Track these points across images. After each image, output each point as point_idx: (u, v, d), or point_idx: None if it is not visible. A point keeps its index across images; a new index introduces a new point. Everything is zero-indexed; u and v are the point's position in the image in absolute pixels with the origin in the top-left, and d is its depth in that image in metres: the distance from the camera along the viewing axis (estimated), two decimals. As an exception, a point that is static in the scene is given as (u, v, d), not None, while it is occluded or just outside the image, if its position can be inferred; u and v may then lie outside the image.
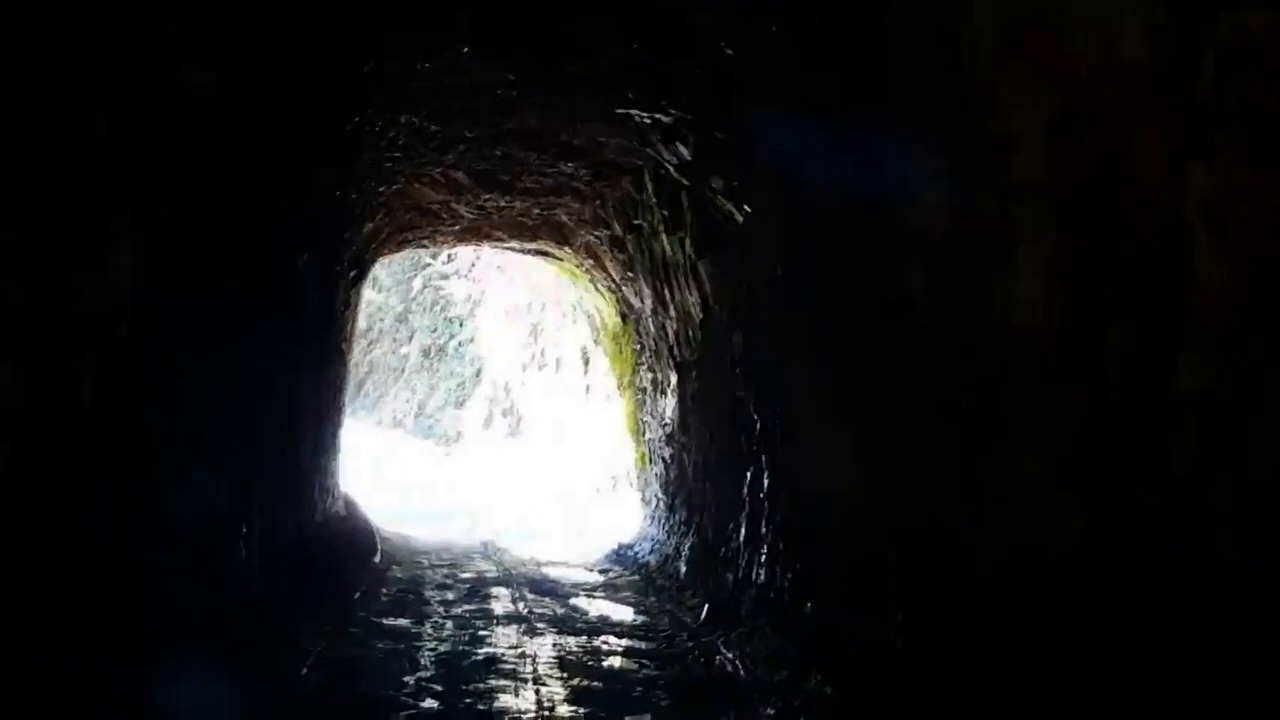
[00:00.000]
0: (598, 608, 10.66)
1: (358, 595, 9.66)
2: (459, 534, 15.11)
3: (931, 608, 6.15)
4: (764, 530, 9.68)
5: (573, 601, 10.84)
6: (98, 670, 5.15)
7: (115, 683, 5.33)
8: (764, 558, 9.53)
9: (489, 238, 14.92)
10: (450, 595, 10.50)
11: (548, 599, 10.72)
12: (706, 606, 9.74)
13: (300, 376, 10.40)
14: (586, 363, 17.06)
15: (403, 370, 27.01)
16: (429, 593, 10.55)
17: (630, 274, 13.74)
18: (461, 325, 24.75)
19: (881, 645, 6.51)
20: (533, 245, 14.89)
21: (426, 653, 8.13)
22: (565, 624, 9.51)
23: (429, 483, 19.01)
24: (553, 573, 12.69)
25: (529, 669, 7.79)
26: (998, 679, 5.47)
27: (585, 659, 8.33)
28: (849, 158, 7.40)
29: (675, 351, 12.84)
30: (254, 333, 8.18)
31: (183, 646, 6.12)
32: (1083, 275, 4.38)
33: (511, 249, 15.46)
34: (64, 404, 4.73)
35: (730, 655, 8.25)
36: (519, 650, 8.34)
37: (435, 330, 26.02)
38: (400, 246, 15.47)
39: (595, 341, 16.39)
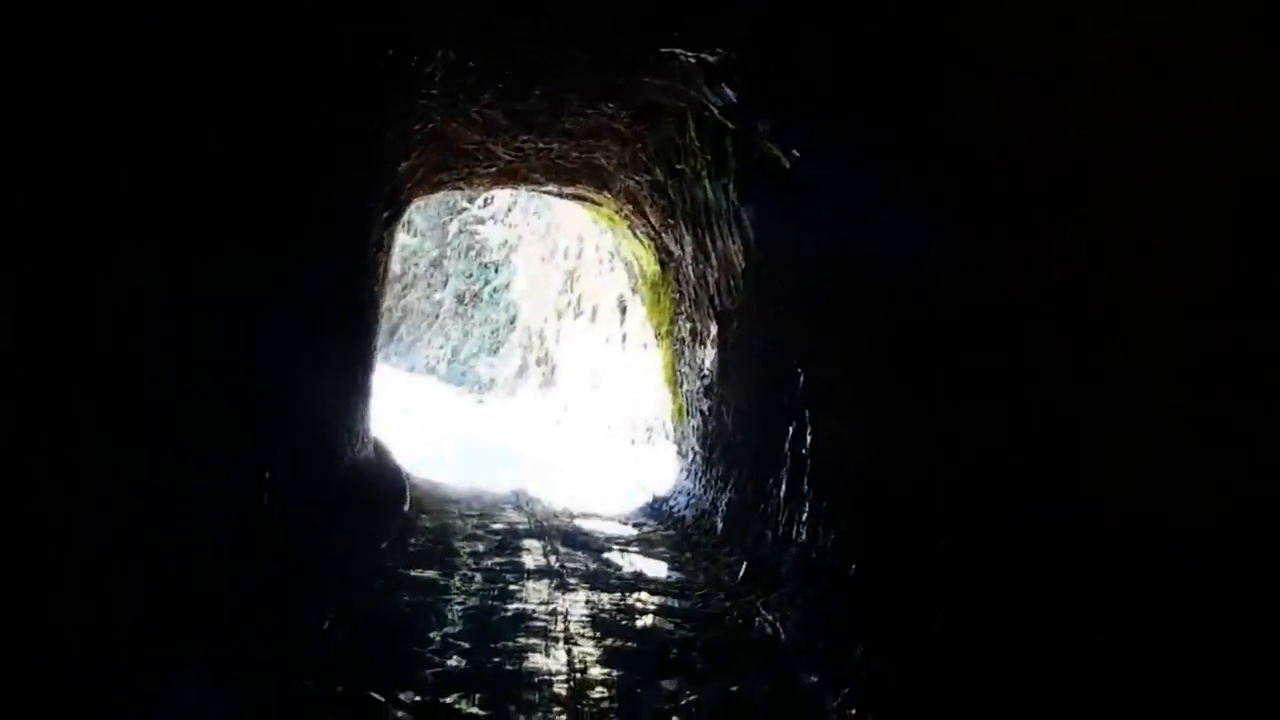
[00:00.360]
0: (632, 563, 10.33)
1: (384, 545, 9.36)
2: (490, 483, 14.79)
3: (989, 578, 5.78)
4: (806, 488, 9.33)
5: (606, 556, 10.52)
6: (98, 628, 4.86)
7: (119, 641, 5.05)
8: (805, 516, 9.19)
9: (526, 180, 14.53)
10: (480, 547, 10.20)
11: (580, 553, 10.40)
12: (744, 565, 9.40)
13: (329, 319, 10.10)
14: (623, 311, 16.67)
15: (436, 316, 26.71)
16: (458, 543, 10.24)
17: (670, 220, 13.34)
18: (497, 271, 24.38)
19: (935, 616, 6.16)
20: (571, 189, 14.49)
21: (455, 607, 7.82)
22: (598, 580, 9.19)
23: (461, 430, 18.71)
24: (586, 525, 12.38)
25: (560, 627, 7.47)
26: (1060, 658, 5.12)
27: (619, 617, 8.01)
28: (905, 95, 6.99)
29: (716, 301, 12.45)
30: (281, 273, 7.86)
31: (196, 599, 5.83)
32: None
33: (549, 192, 15.07)
34: (78, 341, 4.42)
35: (770, 617, 7.91)
36: (550, 607, 8.03)
37: (470, 276, 25.67)
38: (436, 188, 15.08)
39: (633, 290, 15.99)
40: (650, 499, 13.73)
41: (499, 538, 10.79)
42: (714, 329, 12.53)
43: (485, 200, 23.77)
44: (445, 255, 26.72)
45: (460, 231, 25.64)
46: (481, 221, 23.94)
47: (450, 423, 19.78)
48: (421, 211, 27.39)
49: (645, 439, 15.47)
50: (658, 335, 14.83)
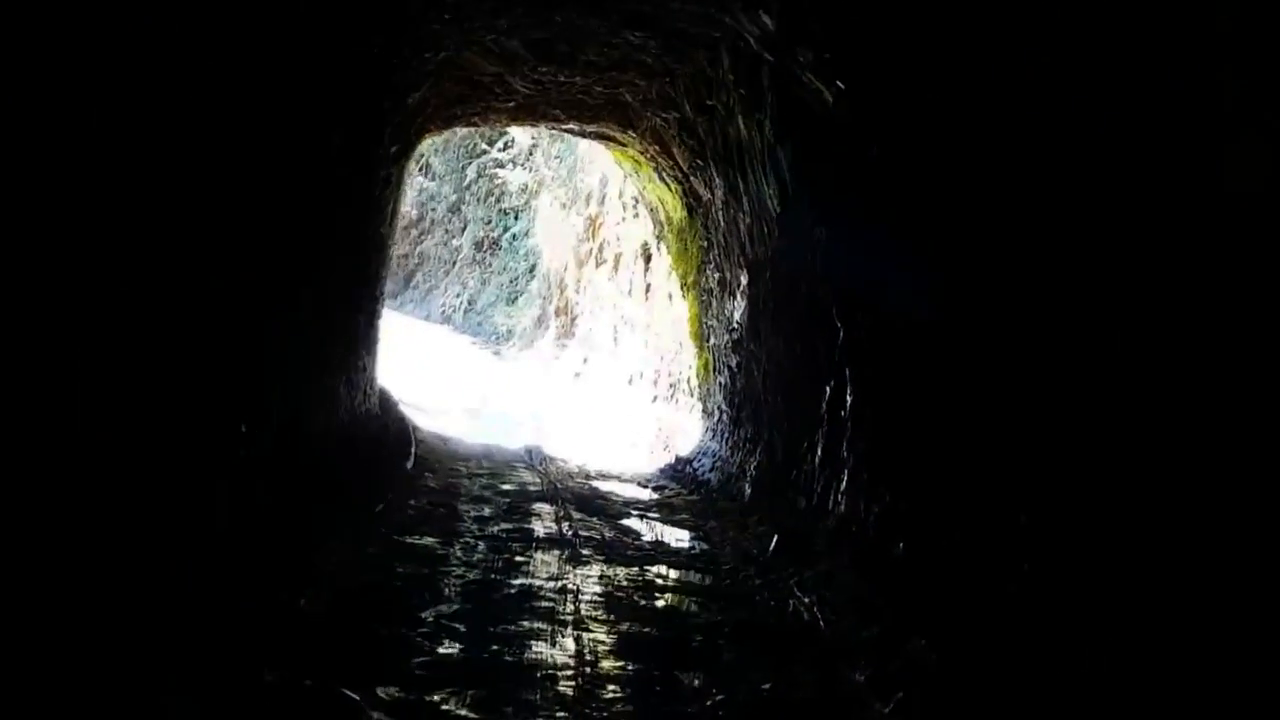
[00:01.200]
0: (652, 531, 9.51)
1: (380, 508, 8.52)
2: (503, 438, 13.95)
3: (1081, 563, 4.91)
4: (845, 453, 8.48)
5: (623, 523, 9.69)
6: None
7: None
8: (844, 485, 8.34)
9: (546, 117, 13.59)
10: (486, 510, 9.36)
11: (595, 519, 9.57)
12: (775, 537, 8.56)
13: (328, 260, 9.22)
14: (648, 260, 15.75)
15: (453, 263, 25.85)
16: (463, 506, 9.41)
17: (700, 162, 12.41)
18: (517, 218, 23.45)
19: (1007, 610, 5.29)
20: (594, 127, 13.54)
21: (453, 581, 6.99)
22: (614, 550, 8.35)
23: (475, 382, 17.86)
24: (603, 487, 11.55)
25: (569, 608, 6.62)
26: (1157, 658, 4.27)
27: (636, 596, 7.16)
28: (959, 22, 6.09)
29: (747, 249, 11.54)
30: (270, 209, 6.99)
31: (138, 573, 4.98)
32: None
33: (570, 130, 14.11)
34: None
35: (806, 600, 7.06)
36: (559, 583, 7.18)
37: (489, 222, 24.76)
38: (449, 123, 14.17)
39: (658, 237, 15.07)
40: (672, 460, 12.89)
41: (508, 500, 9.96)
42: (744, 279, 11.63)
43: (505, 143, 22.82)
44: (464, 200, 25.81)
45: (480, 176, 24.70)
46: (501, 165, 22.98)
47: (464, 375, 18.92)
48: (439, 154, 26.51)
49: (668, 396, 14.58)
50: (684, 286, 13.92)
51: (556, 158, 20.70)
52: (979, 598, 5.70)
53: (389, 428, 12.20)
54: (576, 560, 7.87)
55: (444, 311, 25.28)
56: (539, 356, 20.39)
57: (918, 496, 6.90)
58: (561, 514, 9.51)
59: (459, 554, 7.68)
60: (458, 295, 25.06)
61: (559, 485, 11.11)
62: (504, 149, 22.96)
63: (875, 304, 7.99)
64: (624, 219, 17.01)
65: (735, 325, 11.86)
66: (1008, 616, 5.32)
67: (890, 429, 7.57)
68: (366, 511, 8.34)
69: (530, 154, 21.51)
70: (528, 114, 13.48)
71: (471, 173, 24.97)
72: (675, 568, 8.19)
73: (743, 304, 11.67)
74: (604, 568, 7.77)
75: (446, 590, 6.76)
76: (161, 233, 5.17)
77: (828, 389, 8.95)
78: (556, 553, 8.02)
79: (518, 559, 7.73)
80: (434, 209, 27.11)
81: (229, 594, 5.61)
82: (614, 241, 17.66)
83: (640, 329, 16.00)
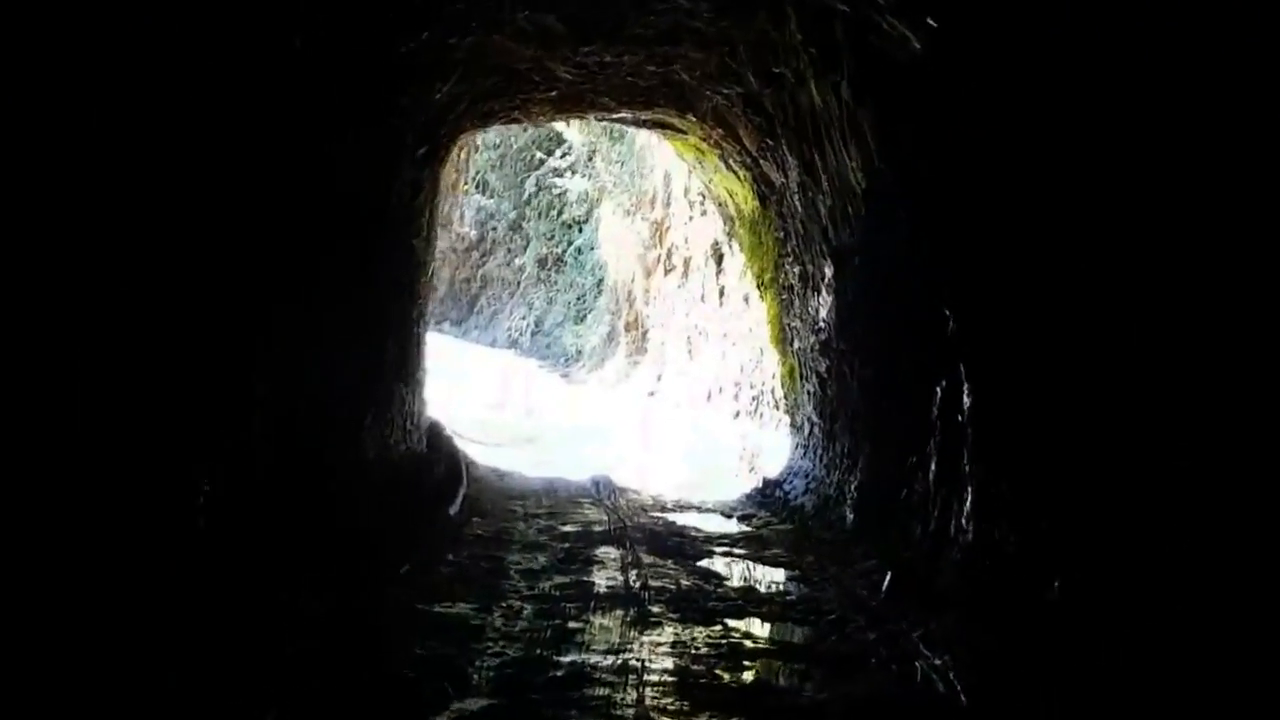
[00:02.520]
0: (738, 573, 8.03)
1: (407, 568, 7.05)
2: (568, 468, 12.43)
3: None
4: (967, 466, 6.92)
5: (704, 564, 8.19)
6: None
7: None
8: (969, 506, 6.80)
9: (595, 106, 12.13)
10: (540, 560, 7.88)
11: (670, 562, 8.07)
12: (888, 575, 7.01)
13: (330, 279, 7.82)
14: (719, 262, 14.20)
15: (518, 284, 24.52)
16: (512, 557, 7.94)
17: (769, 141, 10.89)
18: (580, 230, 22.04)
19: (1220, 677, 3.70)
20: (648, 114, 12.02)
21: (486, 663, 5.49)
22: (691, 605, 6.81)
23: (542, 408, 16.40)
24: (680, 521, 10.05)
25: (629, 696, 5.08)
26: None
27: (718, 668, 5.61)
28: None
29: (830, 235, 9.99)
30: (232, 219, 5.61)
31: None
32: None
33: (623, 120, 12.60)
34: None
35: (937, 661, 5.49)
36: (620, 658, 5.64)
37: (552, 238, 23.37)
38: (487, 120, 12.76)
39: (728, 234, 13.52)
40: (759, 483, 11.34)
41: (567, 545, 8.48)
42: (829, 270, 10.08)
43: (563, 151, 21.44)
44: (524, 217, 24.47)
45: (539, 189, 23.34)
46: (560, 174, 21.59)
47: (533, 399, 17.47)
48: (496, 170, 25.27)
49: (751, 410, 13.02)
50: (760, 285, 12.37)
51: (617, 162, 19.27)
52: (1183, 660, 4.12)
53: (436, 467, 10.77)
54: (644, 622, 6.34)
55: (510, 335, 23.94)
56: (609, 376, 18.91)
57: (1078, 519, 5.31)
58: (629, 559, 8.02)
59: (498, 623, 6.18)
60: (523, 317, 23.72)
61: (629, 522, 9.62)
62: (561, 156, 21.58)
63: (996, 283, 6.44)
64: (691, 217, 15.49)
65: (822, 324, 10.31)
66: (1233, 689, 3.74)
67: (1030, 433, 6.00)
68: (391, 571, 6.89)
69: (590, 159, 20.07)
70: (574, 104, 12.04)
71: (530, 186, 23.62)
72: (768, 620, 6.67)
73: (829, 299, 10.13)
74: (678, 629, 6.24)
75: (476, 677, 5.27)
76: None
77: (938, 390, 7.43)
78: (620, 613, 6.50)
79: (571, 625, 6.22)
80: (494, 228, 25.81)
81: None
82: (682, 245, 16.14)
83: (716, 338, 14.46)
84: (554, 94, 11.67)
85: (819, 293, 10.36)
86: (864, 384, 9.24)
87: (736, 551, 8.77)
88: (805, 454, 10.80)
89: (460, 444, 12.85)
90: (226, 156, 5.45)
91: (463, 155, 24.31)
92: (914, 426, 7.85)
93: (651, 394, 17.00)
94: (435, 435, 11.92)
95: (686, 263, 15.90)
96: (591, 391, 18.66)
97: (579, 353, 20.83)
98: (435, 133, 11.11)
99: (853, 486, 9.20)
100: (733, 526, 9.90)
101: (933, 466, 7.54)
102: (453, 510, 9.25)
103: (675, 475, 12.21)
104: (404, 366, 10.65)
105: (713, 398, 14.49)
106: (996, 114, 6.21)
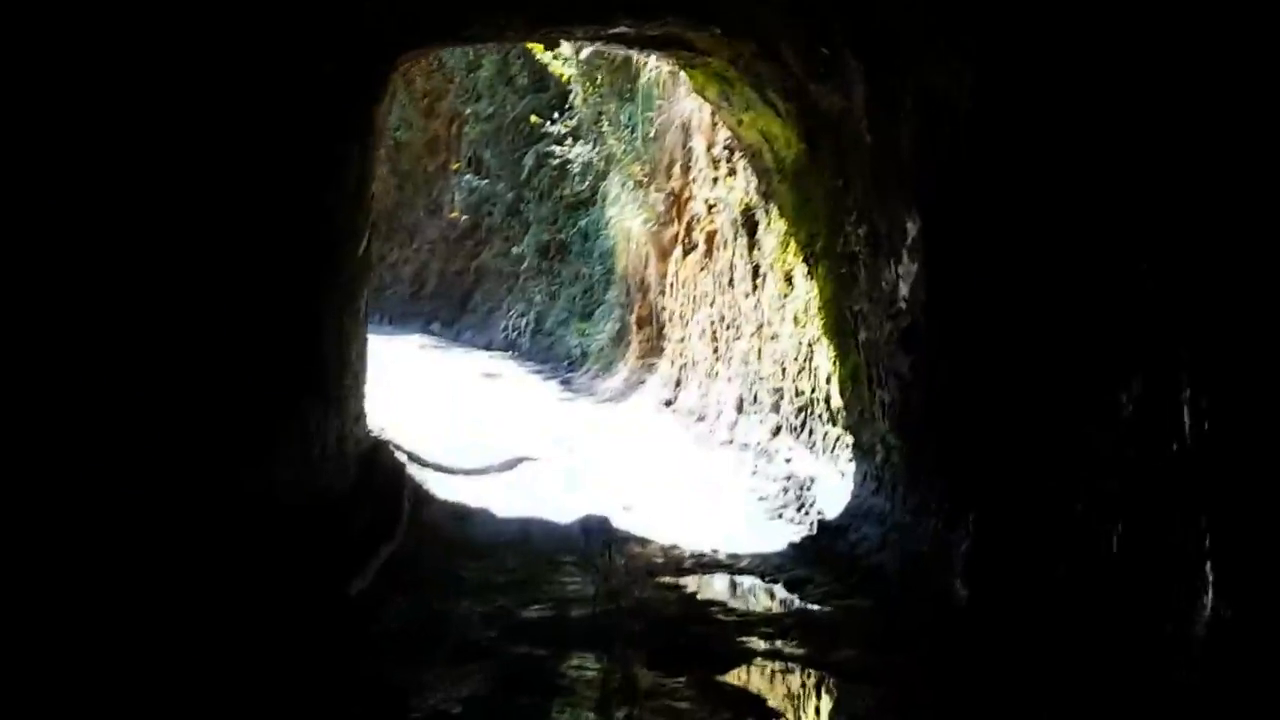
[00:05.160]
0: (794, 700, 4.88)
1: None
2: (554, 507, 9.21)
3: None
4: (1201, 518, 3.95)
5: (738, 683, 5.07)
6: None
7: None
8: (1212, 585, 3.84)
9: (584, 19, 9.00)
10: (465, 690, 4.76)
11: (684, 682, 4.95)
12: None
13: (220, 262, 4.91)
14: (751, 232, 11.01)
15: (516, 277, 21.46)
16: (427, 678, 4.83)
17: (824, 52, 7.79)
18: (586, 210, 18.92)
19: None
20: (656, 28, 8.84)
21: None
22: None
23: (536, 425, 13.24)
24: (702, 590, 6.95)
25: None
26: None
27: None
28: None
29: (915, 178, 6.88)
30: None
31: None
32: None
33: (624, 39, 9.33)
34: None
35: None
36: None
37: (554, 222, 20.27)
38: (442, 38, 9.70)
39: (763, 194, 10.35)
40: (811, 529, 8.19)
41: (523, 650, 5.34)
42: (913, 227, 6.96)
43: (564, 110, 18.34)
44: (523, 199, 21.41)
45: (540, 165, 20.25)
46: (562, 141, 18.48)
47: (525, 413, 14.34)
48: (491, 145, 22.21)
49: (797, 425, 9.83)
50: (809, 257, 9.21)
51: (626, 126, 16.15)
52: None
53: (359, 512, 7.66)
54: None
55: (507, 336, 20.88)
56: (617, 384, 15.76)
57: None
58: (618, 678, 4.89)
59: None
60: (522, 315, 20.66)
61: (626, 595, 6.51)
62: (558, 115, 18.49)
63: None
64: (716, 179, 12.31)
65: (903, 304, 7.18)
66: None
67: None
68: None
69: (597, 121, 16.97)
70: (559, 16, 8.91)
71: (530, 162, 20.55)
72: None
73: (913, 268, 7.01)
74: None
75: None
76: None
77: (1124, 395, 4.42)
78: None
79: None
80: (489, 213, 22.76)
81: None
82: (704, 216, 12.97)
83: (749, 331, 11.27)
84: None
85: (898, 260, 7.22)
86: (975, 388, 6.12)
87: (788, 650, 5.66)
88: (879, 489, 7.65)
89: (419, 473, 9.79)
90: None
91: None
92: (1077, 452, 4.86)
93: (668, 404, 13.83)
94: (371, 465, 8.82)
95: (710, 238, 12.71)
96: (595, 402, 15.51)
97: (584, 355, 17.73)
98: (366, 54, 8.05)
99: (963, 542, 6.08)
100: (778, 601, 6.79)
101: (1123, 515, 4.52)
102: (361, 585, 6.16)
103: (698, 515, 9.01)
104: (313, 372, 7.56)
105: (746, 409, 11.29)
106: None
